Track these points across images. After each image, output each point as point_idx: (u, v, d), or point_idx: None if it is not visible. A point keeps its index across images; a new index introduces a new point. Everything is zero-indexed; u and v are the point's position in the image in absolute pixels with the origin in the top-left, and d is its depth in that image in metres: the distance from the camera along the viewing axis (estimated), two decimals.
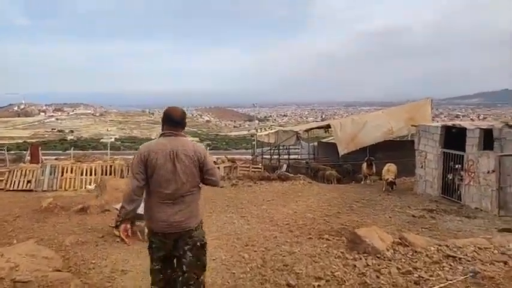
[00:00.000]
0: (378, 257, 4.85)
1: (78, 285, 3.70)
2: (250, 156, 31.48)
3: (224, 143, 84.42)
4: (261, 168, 17.84)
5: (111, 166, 16.99)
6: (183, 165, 2.83)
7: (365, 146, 16.12)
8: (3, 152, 25.97)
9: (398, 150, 17.64)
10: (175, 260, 2.97)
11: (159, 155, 2.82)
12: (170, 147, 2.84)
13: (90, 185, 15.81)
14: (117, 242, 5.53)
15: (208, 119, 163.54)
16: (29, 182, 15.63)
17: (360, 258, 4.87)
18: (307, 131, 18.43)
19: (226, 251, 5.14)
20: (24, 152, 26.35)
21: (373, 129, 16.04)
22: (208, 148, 35.42)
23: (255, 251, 5.17)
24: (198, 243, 2.93)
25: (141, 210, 3.13)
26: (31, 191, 15.24)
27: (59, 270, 3.87)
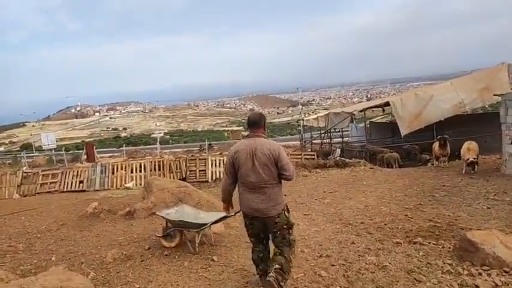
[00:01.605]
0: (506, 272, 3.56)
1: None
2: (298, 143, 30.26)
3: (269, 130, 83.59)
4: (313, 155, 16.58)
5: (159, 162, 16.65)
6: (261, 162, 3.31)
7: (430, 124, 14.29)
8: (62, 153, 27.07)
9: (470, 125, 15.54)
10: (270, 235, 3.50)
11: (242, 154, 3.38)
12: (250, 147, 3.37)
13: (128, 182, 15.56)
14: (165, 255, 4.69)
15: (252, 107, 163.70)
16: (81, 182, 15.69)
17: (480, 274, 3.62)
18: (362, 111, 16.76)
19: (297, 266, 4.09)
20: (81, 151, 27.26)
21: (441, 104, 14.13)
22: None
23: (333, 265, 4.07)
24: (282, 224, 3.40)
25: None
26: (84, 191, 15.28)
27: None
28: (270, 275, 3.20)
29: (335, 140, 21.78)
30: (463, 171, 9.88)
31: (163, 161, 16.40)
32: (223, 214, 5.20)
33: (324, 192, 8.76)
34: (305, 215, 6.58)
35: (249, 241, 3.78)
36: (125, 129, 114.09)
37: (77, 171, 16.01)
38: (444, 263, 3.91)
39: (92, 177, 15.86)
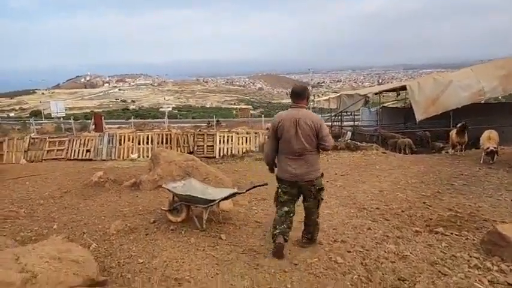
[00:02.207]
0: None
1: None
2: None
3: (277, 110, 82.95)
4: None
5: (167, 135, 16.43)
6: (303, 131, 3.52)
7: (447, 111, 13.75)
8: (70, 121, 26.99)
9: (487, 115, 14.99)
10: (301, 197, 3.80)
11: (286, 122, 3.57)
12: (294, 116, 3.56)
13: (133, 153, 15.39)
14: (171, 230, 4.46)
15: (261, 86, 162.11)
16: (88, 151, 15.58)
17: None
18: (377, 94, 16.21)
19: (310, 250, 3.83)
20: (89, 121, 27.16)
21: (460, 90, 13.53)
22: (262, 116, 34.37)
23: (349, 252, 3.80)
24: (318, 187, 3.70)
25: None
26: (90, 160, 15.18)
27: (91, 284, 2.80)
28: (303, 241, 3.92)
29: (346, 123, 21.32)
30: (481, 161, 9.49)
31: (170, 135, 16.17)
32: (233, 191, 4.94)
33: (336, 174, 8.46)
34: None
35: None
36: (133, 101, 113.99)
37: (84, 140, 15.88)
38: (470, 257, 3.62)
39: (99, 147, 15.73)
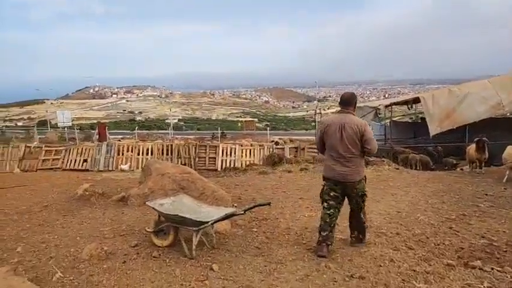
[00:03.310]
0: None
1: None
2: (314, 138, 29.01)
3: (283, 123, 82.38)
4: None
5: (168, 146, 15.79)
6: (348, 135, 3.79)
7: (463, 125, 12.98)
8: (74, 131, 26.57)
9: (503, 129, 14.15)
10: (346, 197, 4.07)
11: (332, 126, 3.89)
12: (340, 121, 3.86)
13: (124, 164, 14.71)
14: (153, 258, 3.74)
15: (267, 99, 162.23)
16: (85, 161, 14.97)
17: None
18: (388, 106, 15.49)
19: (321, 285, 3.08)
20: (93, 131, 26.76)
21: (477, 103, 12.82)
22: (268, 128, 33.81)
23: None
24: (360, 193, 3.99)
25: None
26: (87, 170, 14.55)
27: None
28: (352, 240, 4.17)
29: None
30: (504, 179, 8.69)
31: (171, 145, 15.53)
32: (230, 210, 4.22)
33: None
34: None
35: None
36: (140, 112, 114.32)
37: (81, 149, 15.28)
38: None
39: (96, 157, 15.12)
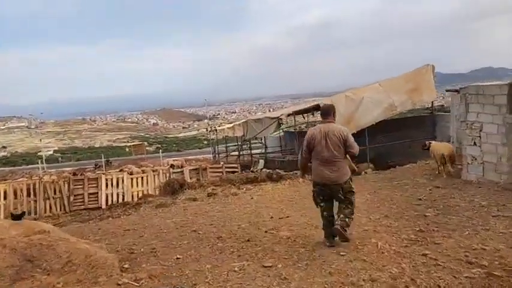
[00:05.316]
0: None
1: None
2: (210, 156, 27.39)
3: (174, 144, 79.04)
4: (237, 168, 13.96)
5: (29, 185, 12.21)
6: (332, 141, 4.27)
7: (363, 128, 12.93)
8: None
9: (400, 129, 14.72)
10: (333, 200, 4.47)
11: (317, 135, 4.36)
12: (324, 129, 4.36)
13: None
14: None
15: (155, 121, 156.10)
16: None
17: None
18: (291, 115, 14.79)
19: None
20: None
21: (372, 106, 12.91)
22: (160, 151, 31.05)
23: None
24: (347, 190, 4.40)
25: None
26: None
27: None
28: (336, 223, 4.32)
29: (254, 151, 19.60)
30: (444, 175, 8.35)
31: (35, 184, 12.02)
32: None
33: (272, 218, 6.20)
34: (264, 266, 3.88)
35: None
36: (4, 147, 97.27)
37: None
38: None
39: None
